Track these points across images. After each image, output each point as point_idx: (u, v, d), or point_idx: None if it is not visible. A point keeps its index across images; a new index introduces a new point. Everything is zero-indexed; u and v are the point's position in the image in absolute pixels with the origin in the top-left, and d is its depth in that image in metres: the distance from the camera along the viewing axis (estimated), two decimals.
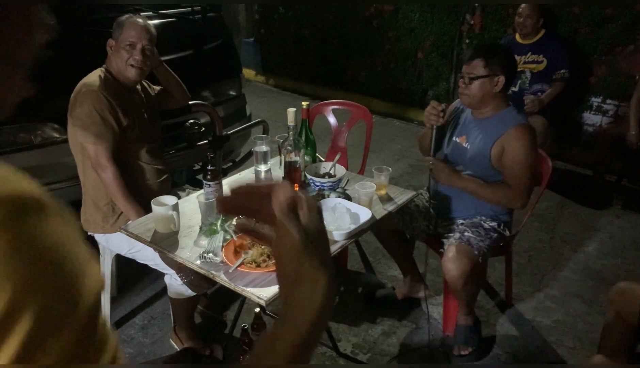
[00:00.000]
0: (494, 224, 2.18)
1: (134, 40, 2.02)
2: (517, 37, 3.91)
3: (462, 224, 2.17)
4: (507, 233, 2.25)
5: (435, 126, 2.12)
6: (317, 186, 2.05)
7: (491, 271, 2.81)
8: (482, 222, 2.18)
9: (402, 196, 2.05)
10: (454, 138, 2.24)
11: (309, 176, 2.06)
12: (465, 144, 2.18)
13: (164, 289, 2.25)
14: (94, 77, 2.01)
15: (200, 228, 1.73)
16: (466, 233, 2.10)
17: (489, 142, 2.09)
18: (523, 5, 3.77)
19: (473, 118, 2.19)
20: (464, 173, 2.18)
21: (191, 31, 3.06)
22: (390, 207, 1.97)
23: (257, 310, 2.22)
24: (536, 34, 3.81)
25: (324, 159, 2.34)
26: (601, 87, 4.12)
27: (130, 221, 1.94)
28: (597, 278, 2.82)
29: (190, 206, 1.93)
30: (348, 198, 1.96)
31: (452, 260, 2.00)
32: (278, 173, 2.18)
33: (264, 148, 2.13)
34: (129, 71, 2.04)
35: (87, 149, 1.97)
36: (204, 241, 1.66)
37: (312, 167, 2.14)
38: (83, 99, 1.94)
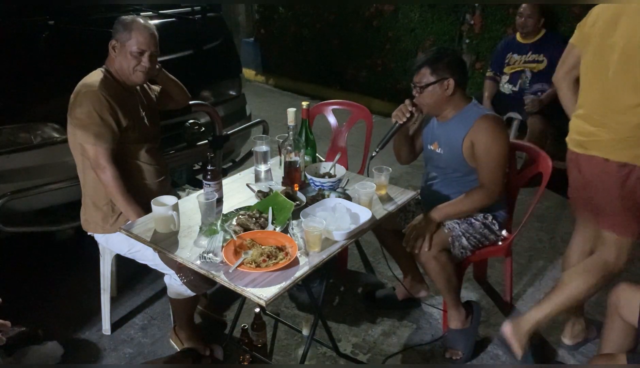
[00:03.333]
0: (480, 216, 2.21)
1: (143, 48, 2.00)
2: (518, 36, 3.91)
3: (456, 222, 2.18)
4: (496, 227, 2.25)
5: (397, 123, 2.15)
6: (317, 186, 2.04)
7: (491, 271, 2.81)
8: (472, 219, 2.20)
9: (402, 196, 2.05)
10: (428, 146, 2.27)
11: (309, 176, 2.06)
12: (438, 150, 2.20)
13: (164, 289, 2.25)
14: (93, 77, 2.01)
15: (200, 228, 1.73)
16: (451, 224, 2.14)
17: (458, 141, 2.10)
18: (524, 5, 3.77)
19: (439, 123, 2.20)
20: (442, 177, 2.24)
21: (191, 31, 3.06)
22: (390, 207, 1.97)
23: (257, 310, 2.23)
24: (537, 34, 3.81)
25: (324, 159, 2.34)
26: None
27: (129, 221, 1.94)
28: None
29: (190, 206, 1.93)
30: (348, 198, 1.96)
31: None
32: (278, 173, 2.18)
33: (264, 148, 2.13)
34: (136, 76, 2.04)
35: (87, 150, 1.97)
36: (204, 241, 1.66)
37: (312, 167, 2.14)
38: (83, 99, 1.94)
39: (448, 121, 2.16)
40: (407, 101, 2.13)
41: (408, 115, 2.12)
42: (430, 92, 2.07)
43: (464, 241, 2.14)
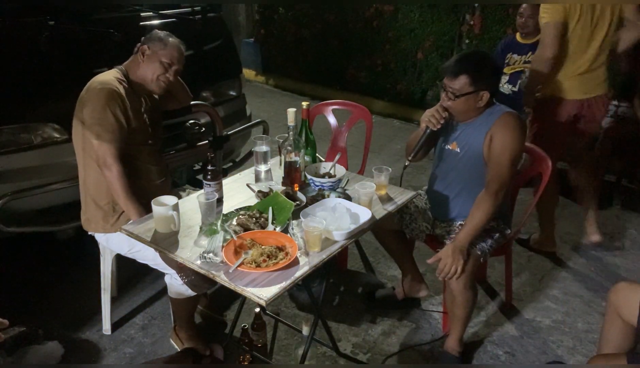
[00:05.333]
0: (494, 224, 2.18)
1: (174, 61, 2.08)
2: (518, 36, 3.90)
3: (460, 225, 2.17)
4: (508, 231, 2.25)
5: (429, 130, 2.11)
6: (317, 186, 2.05)
7: (491, 271, 2.82)
8: (492, 233, 2.17)
9: (402, 196, 2.05)
10: (444, 146, 2.22)
11: (309, 176, 2.06)
12: (457, 150, 2.16)
13: (164, 289, 2.25)
14: (108, 76, 2.02)
15: (200, 228, 1.74)
16: (481, 245, 2.10)
17: (479, 138, 2.06)
18: (524, 5, 3.76)
19: (459, 123, 2.15)
20: (455, 176, 2.20)
21: (191, 31, 3.06)
22: (390, 207, 1.97)
23: (257, 310, 2.23)
24: (537, 34, 3.80)
25: (324, 159, 2.34)
26: None
27: (130, 221, 1.94)
28: (597, 278, 2.82)
29: (190, 206, 1.93)
30: (348, 198, 1.96)
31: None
32: (278, 173, 2.18)
33: (264, 148, 2.13)
34: (157, 84, 2.09)
35: (94, 146, 1.97)
36: (204, 241, 1.66)
37: (312, 167, 2.14)
38: (95, 95, 1.95)
39: (470, 122, 2.11)
40: (439, 107, 2.07)
41: (442, 122, 2.07)
42: (464, 102, 2.00)
43: (488, 255, 2.14)
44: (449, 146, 2.20)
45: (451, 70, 1.99)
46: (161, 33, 2.11)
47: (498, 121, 2.02)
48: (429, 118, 2.09)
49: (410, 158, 2.19)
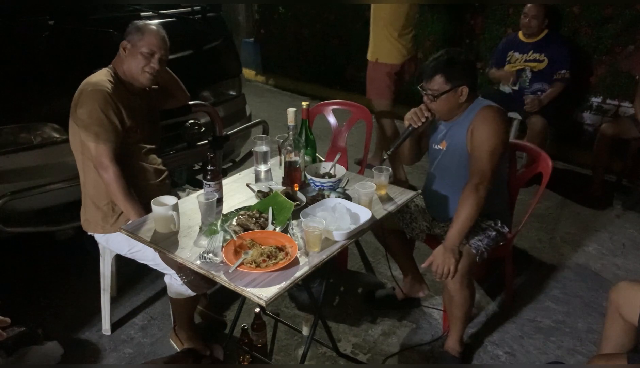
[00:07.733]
0: (490, 222, 2.18)
1: (154, 49, 2.03)
2: (520, 35, 3.91)
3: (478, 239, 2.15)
4: (506, 229, 2.24)
5: (411, 127, 2.12)
6: (317, 186, 2.04)
7: (491, 271, 2.81)
8: (478, 221, 2.17)
9: (402, 196, 2.05)
10: (434, 146, 2.23)
11: (309, 176, 2.06)
12: (445, 148, 2.17)
13: (164, 289, 2.25)
14: (99, 76, 2.01)
15: (200, 228, 1.73)
16: (475, 242, 2.09)
17: (463, 133, 2.08)
18: (529, 5, 3.77)
19: (445, 122, 2.17)
20: (447, 175, 2.20)
21: (191, 31, 3.06)
22: (390, 207, 1.97)
23: (257, 310, 2.23)
24: (539, 34, 3.81)
25: (324, 159, 2.34)
26: (601, 87, 4.12)
27: (130, 221, 1.94)
28: (597, 278, 2.82)
29: (190, 206, 1.93)
30: (348, 198, 1.96)
31: None
32: (278, 173, 2.18)
33: (264, 148, 2.13)
34: (144, 76, 2.05)
35: (89, 148, 1.96)
36: (204, 241, 1.66)
37: (312, 167, 2.14)
38: (88, 97, 1.94)
39: (455, 120, 2.13)
40: (422, 106, 2.10)
41: (424, 120, 2.09)
42: (445, 100, 2.03)
43: (485, 254, 2.14)
44: (439, 146, 2.21)
45: (426, 73, 2.05)
46: (139, 23, 2.06)
47: (477, 114, 2.04)
48: (412, 116, 2.12)
49: (388, 152, 2.19)
